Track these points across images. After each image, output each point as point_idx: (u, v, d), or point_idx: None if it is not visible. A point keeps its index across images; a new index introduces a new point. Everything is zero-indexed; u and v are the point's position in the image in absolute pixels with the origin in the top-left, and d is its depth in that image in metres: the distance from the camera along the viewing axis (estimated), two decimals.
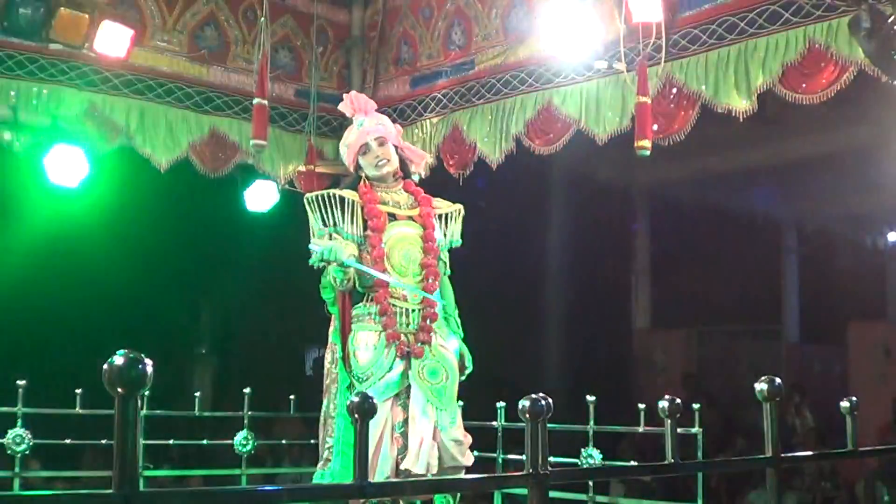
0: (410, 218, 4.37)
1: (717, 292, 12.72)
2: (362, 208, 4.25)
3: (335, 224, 4.20)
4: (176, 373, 10.69)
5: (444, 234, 4.42)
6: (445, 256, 4.43)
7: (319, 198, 4.24)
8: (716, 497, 7.66)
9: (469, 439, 4.31)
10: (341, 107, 4.55)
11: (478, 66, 6.67)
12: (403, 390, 4.17)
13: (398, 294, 4.23)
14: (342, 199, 4.22)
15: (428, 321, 4.24)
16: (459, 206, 4.54)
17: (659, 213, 12.88)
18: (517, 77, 6.37)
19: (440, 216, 4.43)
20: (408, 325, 4.22)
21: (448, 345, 4.31)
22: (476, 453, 6.48)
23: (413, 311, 4.25)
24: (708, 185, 12.10)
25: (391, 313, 4.21)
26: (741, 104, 5.23)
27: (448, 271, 4.45)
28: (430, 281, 4.26)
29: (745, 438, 9.05)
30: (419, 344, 4.20)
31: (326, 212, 4.22)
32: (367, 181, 4.35)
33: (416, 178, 4.53)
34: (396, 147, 4.43)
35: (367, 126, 4.39)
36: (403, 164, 4.47)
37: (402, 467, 4.05)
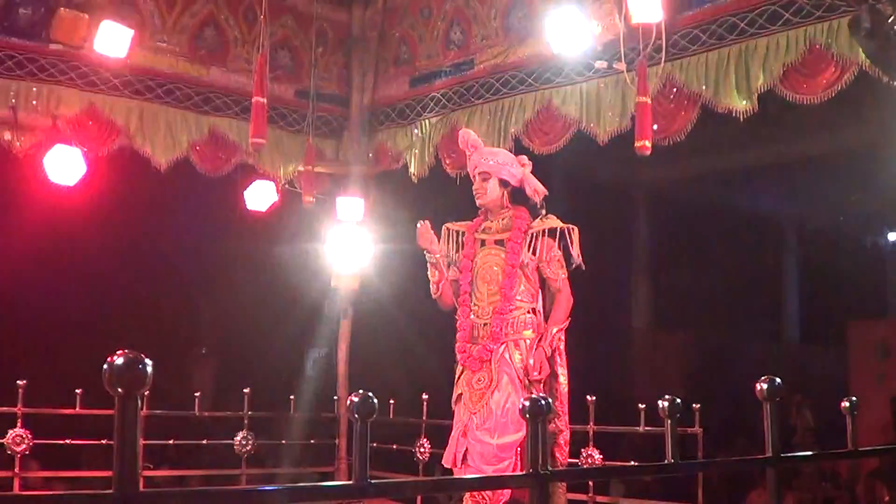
0: (501, 242, 4.70)
1: (717, 292, 12.71)
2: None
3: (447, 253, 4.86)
4: (176, 373, 10.67)
5: (535, 253, 4.63)
6: (551, 273, 4.63)
7: (442, 230, 4.92)
8: (716, 497, 7.65)
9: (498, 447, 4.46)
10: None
11: (477, 66, 6.66)
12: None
13: (474, 308, 4.67)
14: (448, 230, 4.91)
15: (490, 340, 4.57)
16: (547, 226, 4.67)
17: (659, 213, 12.88)
18: (516, 77, 6.36)
19: (534, 235, 4.65)
20: (476, 338, 4.63)
21: (519, 358, 4.56)
22: None
23: (485, 324, 4.63)
24: (708, 185, 12.10)
25: (463, 327, 4.69)
26: (742, 105, 5.22)
27: (561, 287, 4.65)
28: (501, 303, 4.59)
29: (745, 438, 9.05)
30: (477, 360, 4.59)
31: (445, 243, 4.88)
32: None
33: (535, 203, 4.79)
34: (507, 181, 4.72)
35: (473, 161, 4.80)
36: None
37: None
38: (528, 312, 4.62)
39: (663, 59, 5.33)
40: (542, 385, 4.54)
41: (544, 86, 6.19)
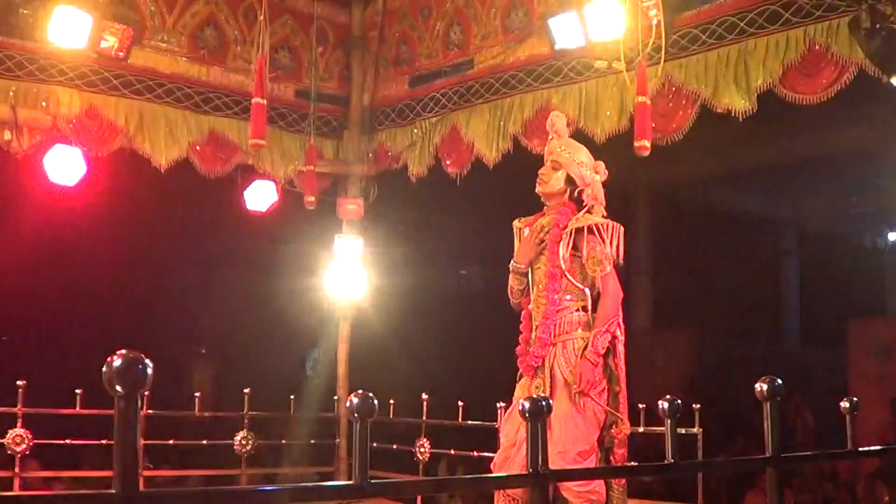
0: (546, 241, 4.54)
1: (717, 292, 12.72)
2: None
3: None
4: (176, 373, 10.69)
5: (576, 252, 4.42)
6: (591, 271, 4.41)
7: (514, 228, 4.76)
8: (716, 497, 7.66)
9: (573, 455, 4.29)
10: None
11: (477, 66, 6.67)
12: None
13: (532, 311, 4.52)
14: (515, 228, 4.73)
15: (539, 346, 4.41)
16: (584, 223, 4.44)
17: (659, 213, 12.87)
18: (516, 77, 6.37)
19: (572, 232, 4.45)
20: (532, 342, 4.48)
21: (563, 362, 4.41)
22: (476, 453, 6.51)
23: (537, 327, 4.47)
24: (708, 185, 12.10)
25: (523, 329, 4.55)
26: (741, 104, 5.22)
27: (602, 285, 4.42)
28: (547, 306, 4.43)
29: (745, 438, 9.05)
30: (529, 367, 4.46)
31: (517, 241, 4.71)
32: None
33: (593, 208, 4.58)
34: (574, 180, 4.52)
35: (551, 146, 4.61)
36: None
37: None
38: (577, 311, 4.43)
39: (663, 59, 5.32)
40: (599, 391, 4.33)
41: (544, 85, 6.19)
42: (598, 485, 4.28)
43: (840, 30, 4.78)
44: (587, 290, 4.43)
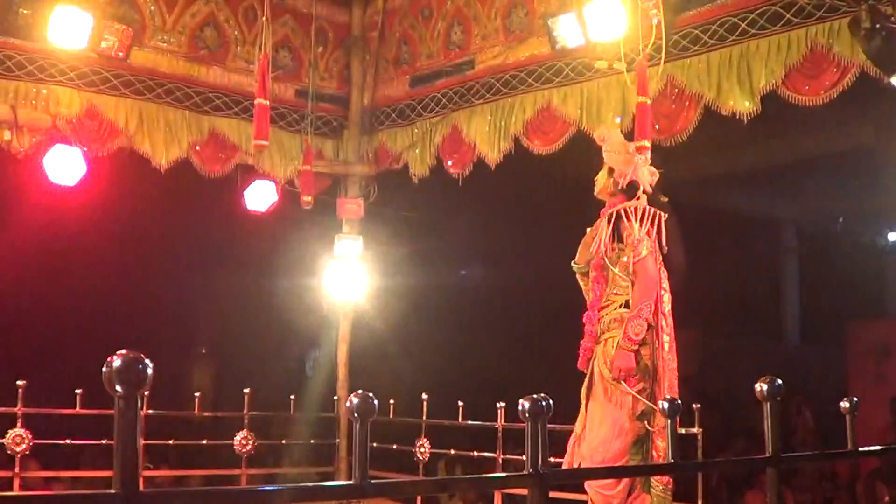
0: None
1: (717, 292, 12.70)
2: None
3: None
4: (176, 373, 10.68)
5: (620, 244, 4.38)
6: (628, 259, 4.35)
7: None
8: (716, 497, 7.66)
9: (605, 451, 4.28)
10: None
11: (477, 66, 6.67)
12: None
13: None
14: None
15: (588, 337, 4.43)
16: (619, 208, 4.40)
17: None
18: (517, 77, 6.37)
19: (609, 219, 4.42)
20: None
21: (603, 360, 4.37)
22: (476, 453, 6.51)
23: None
24: (707, 184, 12.09)
25: (584, 321, 4.49)
26: (745, 106, 5.20)
27: (634, 273, 4.35)
28: (595, 300, 4.45)
29: (745, 439, 9.05)
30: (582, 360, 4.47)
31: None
32: None
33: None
34: (614, 170, 4.51)
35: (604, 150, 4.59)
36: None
37: None
38: (621, 307, 4.36)
39: (663, 60, 5.32)
40: (638, 386, 4.26)
41: (544, 86, 6.19)
42: (623, 489, 4.27)
43: (841, 31, 4.77)
44: (629, 283, 4.37)
